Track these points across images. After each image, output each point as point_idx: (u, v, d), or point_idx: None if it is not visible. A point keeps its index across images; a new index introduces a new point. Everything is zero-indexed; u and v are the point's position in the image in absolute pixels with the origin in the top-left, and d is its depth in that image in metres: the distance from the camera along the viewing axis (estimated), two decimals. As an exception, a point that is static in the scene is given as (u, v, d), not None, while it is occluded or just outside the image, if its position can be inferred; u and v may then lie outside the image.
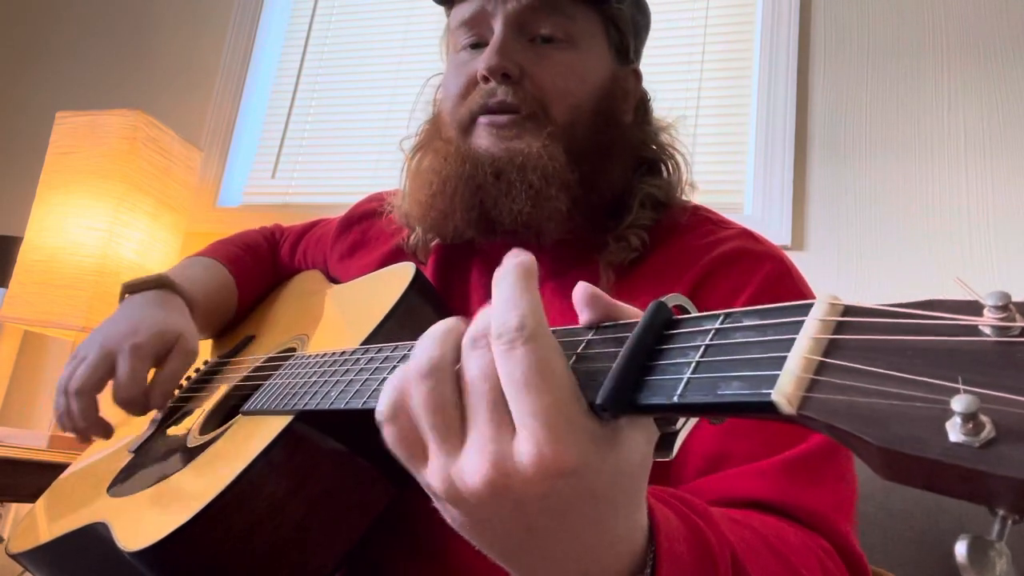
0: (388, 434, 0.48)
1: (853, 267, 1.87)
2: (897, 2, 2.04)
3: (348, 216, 1.25)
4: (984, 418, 0.27)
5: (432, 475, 0.46)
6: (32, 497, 1.69)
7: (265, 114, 2.59)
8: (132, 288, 1.11)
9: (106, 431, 1.04)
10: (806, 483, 0.75)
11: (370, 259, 1.13)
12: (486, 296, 0.97)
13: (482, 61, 0.93)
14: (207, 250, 1.31)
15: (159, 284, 1.12)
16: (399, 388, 0.48)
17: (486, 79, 0.93)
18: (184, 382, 1.16)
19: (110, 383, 1.01)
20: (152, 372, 1.03)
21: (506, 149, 0.91)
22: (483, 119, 0.94)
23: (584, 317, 0.48)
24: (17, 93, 2.87)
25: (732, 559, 0.57)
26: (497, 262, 1.01)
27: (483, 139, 0.93)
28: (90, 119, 2.12)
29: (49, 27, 2.92)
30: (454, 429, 0.45)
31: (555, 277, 0.95)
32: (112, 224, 2.04)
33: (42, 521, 1.01)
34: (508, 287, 0.45)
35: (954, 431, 0.27)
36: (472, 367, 0.45)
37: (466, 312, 0.95)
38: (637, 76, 1.04)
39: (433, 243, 1.04)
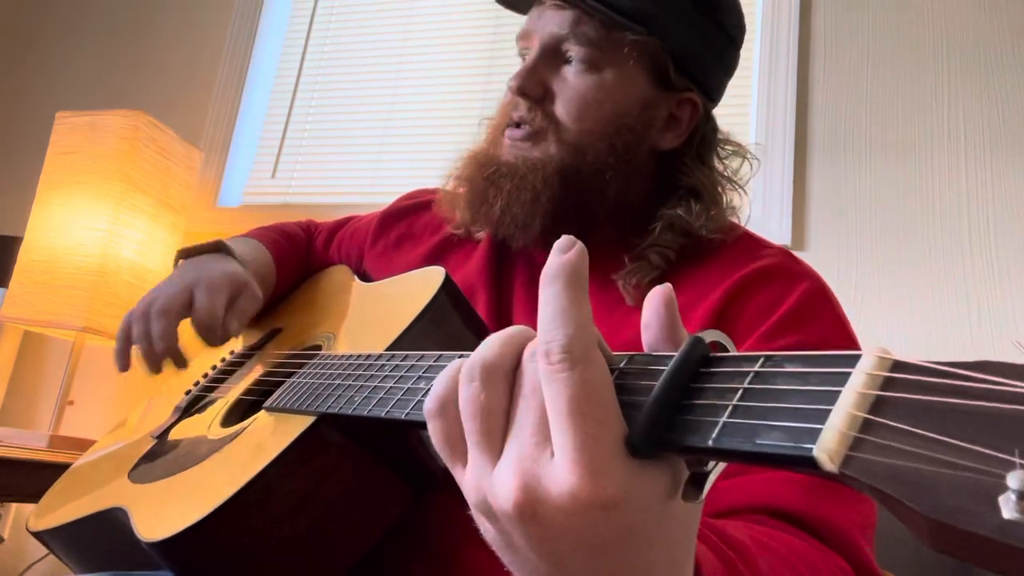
0: (432, 430, 0.47)
1: (853, 267, 1.87)
2: (897, 2, 2.04)
3: (392, 211, 1.27)
4: None
5: (467, 483, 0.45)
6: (32, 497, 1.69)
7: (265, 114, 2.58)
8: (188, 253, 1.14)
9: (181, 360, 1.06)
10: (831, 497, 0.75)
11: (417, 252, 1.16)
12: (526, 287, 1.04)
13: (512, 79, 1.01)
14: (251, 233, 1.32)
15: (216, 249, 1.15)
16: (448, 382, 0.47)
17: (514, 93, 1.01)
18: (209, 371, 1.17)
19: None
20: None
21: (515, 156, 1.00)
22: (507, 131, 1.02)
23: (648, 314, 0.47)
24: (17, 93, 2.85)
25: None
26: (541, 256, 1.07)
27: (503, 149, 1.02)
28: (90, 119, 2.11)
29: (49, 27, 2.91)
30: (495, 438, 0.44)
31: (590, 277, 0.98)
32: (112, 224, 2.04)
33: (64, 501, 1.01)
34: (555, 297, 0.44)
35: (1008, 507, 0.26)
36: (528, 378, 0.44)
37: (508, 308, 1.02)
38: (694, 105, 1.04)
39: (481, 232, 1.12)
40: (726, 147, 1.09)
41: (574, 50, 0.99)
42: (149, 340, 1.03)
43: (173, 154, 2.18)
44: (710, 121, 1.08)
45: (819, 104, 2.04)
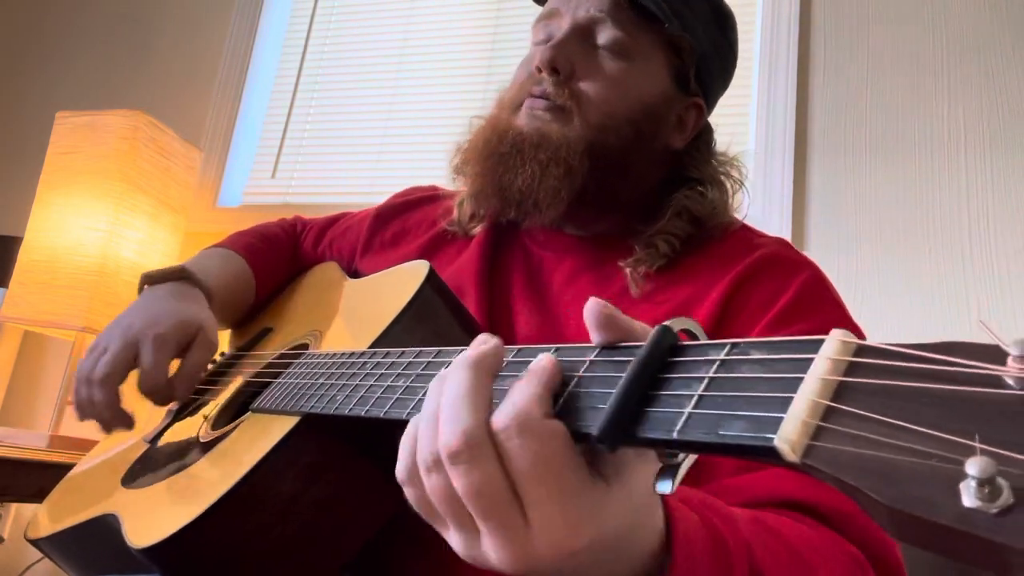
0: (408, 495, 0.50)
1: (853, 267, 1.87)
2: (897, 2, 2.04)
3: (386, 209, 1.26)
4: (1002, 482, 0.25)
5: (455, 545, 0.49)
6: (32, 497, 1.69)
7: (265, 114, 2.58)
8: (151, 279, 1.12)
9: (128, 422, 1.02)
10: None
11: (411, 248, 1.16)
12: (526, 280, 1.04)
13: (539, 54, 1.00)
14: (225, 241, 1.31)
15: (178, 276, 1.12)
16: (409, 453, 0.49)
17: (539, 70, 1.00)
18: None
19: (133, 373, 1.01)
20: (175, 364, 1.03)
21: (533, 128, 0.98)
22: (526, 102, 1.01)
23: (595, 337, 0.48)
24: (17, 93, 2.86)
25: (749, 558, 0.58)
26: (538, 247, 1.06)
27: (522, 118, 1.00)
28: (90, 119, 2.11)
29: (49, 27, 2.91)
30: (467, 520, 0.47)
31: (592, 269, 1.01)
32: (112, 224, 2.04)
33: (59, 509, 1.01)
34: (454, 385, 0.47)
35: (968, 495, 0.25)
36: (433, 487, 0.48)
37: (507, 294, 1.02)
38: (699, 109, 1.07)
39: (480, 225, 1.11)
40: (721, 157, 1.10)
41: (608, 33, 1.00)
42: (94, 407, 1.00)
43: (173, 154, 2.18)
44: (709, 130, 1.11)
45: (819, 104, 2.03)
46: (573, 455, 0.44)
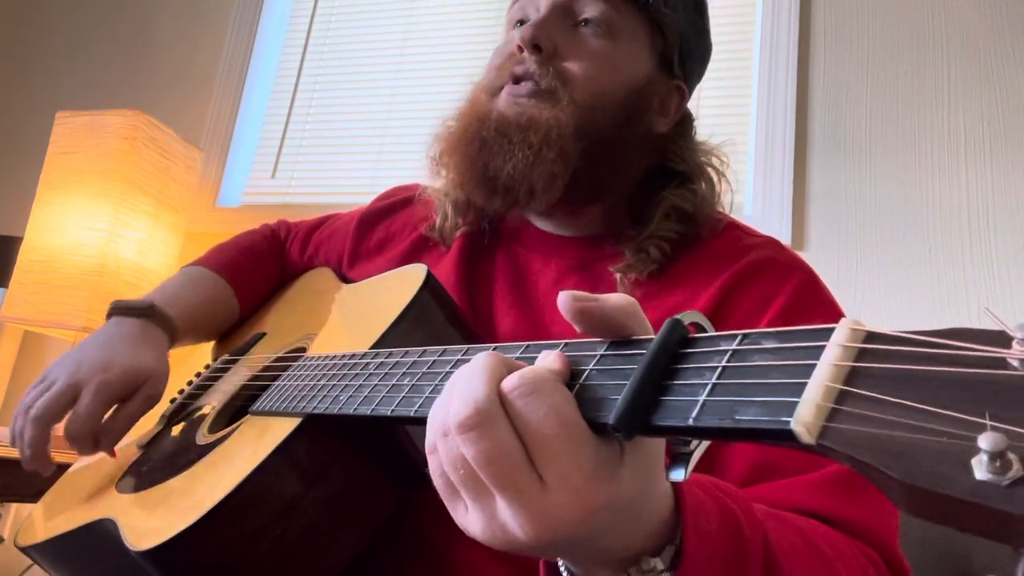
0: (432, 465, 0.50)
1: (853, 266, 1.87)
2: (897, 2, 2.04)
3: (369, 213, 1.25)
4: (1012, 456, 0.26)
5: (475, 525, 0.48)
6: (32, 497, 1.68)
7: (265, 114, 2.58)
8: (120, 310, 1.10)
9: (46, 468, 1.00)
10: (854, 497, 0.75)
11: (394, 253, 1.14)
12: (510, 284, 1.01)
13: (519, 33, 0.97)
14: (206, 258, 1.29)
15: (145, 313, 1.10)
16: (437, 421, 0.49)
17: (520, 49, 0.97)
18: (194, 378, 1.16)
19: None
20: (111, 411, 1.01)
21: (518, 112, 0.94)
22: (506, 88, 0.98)
23: (579, 328, 0.49)
24: (17, 93, 2.86)
25: (764, 540, 0.58)
26: (524, 248, 1.04)
27: (501, 103, 0.97)
28: (90, 119, 2.11)
29: (49, 27, 2.91)
30: (483, 493, 0.47)
31: (580, 270, 0.99)
32: (112, 224, 2.04)
33: (51, 515, 1.00)
34: (466, 377, 0.47)
35: (980, 469, 0.26)
36: (446, 454, 0.47)
37: (490, 299, 1.00)
38: (681, 93, 1.05)
39: (459, 231, 1.08)
40: (703, 146, 1.08)
41: (591, 11, 0.97)
42: (21, 441, 0.98)
43: (173, 154, 2.18)
44: (690, 118, 1.09)
45: (819, 104, 2.04)
46: (583, 419, 0.44)
